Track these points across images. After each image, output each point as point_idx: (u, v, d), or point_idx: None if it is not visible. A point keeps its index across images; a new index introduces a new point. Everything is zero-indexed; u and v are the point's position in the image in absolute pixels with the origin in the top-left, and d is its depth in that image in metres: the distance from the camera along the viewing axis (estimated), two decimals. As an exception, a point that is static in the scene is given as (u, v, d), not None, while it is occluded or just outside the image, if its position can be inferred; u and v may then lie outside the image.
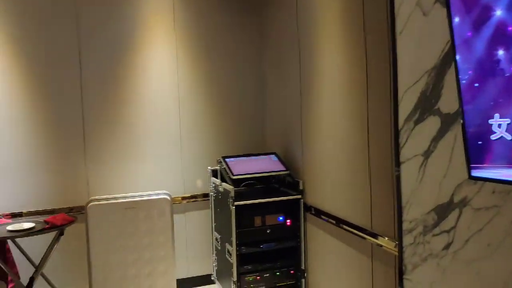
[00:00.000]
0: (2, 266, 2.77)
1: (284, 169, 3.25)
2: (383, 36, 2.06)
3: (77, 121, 3.40)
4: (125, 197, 3.24)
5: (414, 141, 1.79)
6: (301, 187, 3.10)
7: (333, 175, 2.68)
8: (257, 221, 3.05)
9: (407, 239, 1.85)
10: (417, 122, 1.77)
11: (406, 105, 1.82)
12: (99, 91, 3.45)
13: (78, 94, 3.40)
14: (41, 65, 3.31)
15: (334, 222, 2.66)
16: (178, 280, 3.35)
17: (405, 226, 1.86)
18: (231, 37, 3.77)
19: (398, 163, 1.89)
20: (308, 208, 3.05)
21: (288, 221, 3.12)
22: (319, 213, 2.88)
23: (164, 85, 3.61)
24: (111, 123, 3.48)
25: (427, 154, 1.72)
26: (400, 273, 1.90)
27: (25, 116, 3.29)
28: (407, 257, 1.85)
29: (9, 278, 2.90)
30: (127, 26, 3.50)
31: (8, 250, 3.07)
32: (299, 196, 3.09)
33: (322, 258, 2.91)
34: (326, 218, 2.76)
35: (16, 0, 3.24)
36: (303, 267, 3.13)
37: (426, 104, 1.71)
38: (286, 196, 3.12)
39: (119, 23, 3.48)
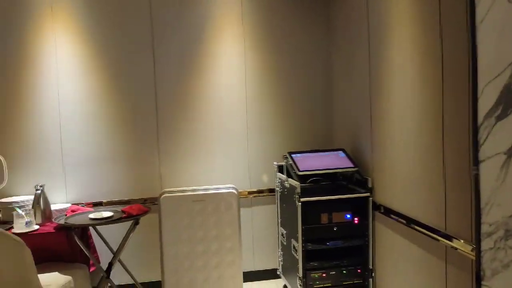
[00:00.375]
0: (85, 251, 3.00)
1: (352, 165, 3.18)
2: (461, 26, 1.93)
3: (151, 118, 3.58)
4: (194, 190, 3.36)
5: (496, 139, 1.66)
6: (370, 185, 3.01)
7: (404, 173, 2.58)
8: (324, 218, 3.02)
9: (486, 243, 1.73)
10: (499, 118, 1.64)
11: (487, 100, 1.69)
12: (171, 89, 3.61)
13: (152, 92, 3.58)
14: (118, 64, 3.53)
15: (404, 221, 2.55)
16: (244, 273, 3.42)
17: (484, 229, 1.73)
18: (299, 31, 3.75)
19: (476, 162, 1.76)
20: (377, 206, 2.96)
21: (356, 219, 3.05)
22: (388, 212, 2.78)
23: (232, 80, 3.68)
24: (182, 120, 3.63)
25: (510, 152, 1.59)
26: (478, 279, 1.78)
27: (106, 114, 3.53)
28: (486, 262, 1.73)
29: (91, 262, 3.14)
30: (197, 24, 3.61)
31: (90, 236, 3.32)
32: (367, 194, 3.01)
33: (391, 258, 2.81)
34: (396, 218, 2.66)
35: (96, 2, 3.48)
36: (370, 267, 3.05)
37: (510, 98, 1.57)
38: (354, 193, 3.05)
39: (189, 21, 3.60)
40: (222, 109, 3.68)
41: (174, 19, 3.58)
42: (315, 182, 3.22)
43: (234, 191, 3.32)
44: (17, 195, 3.40)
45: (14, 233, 2.70)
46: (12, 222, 3.00)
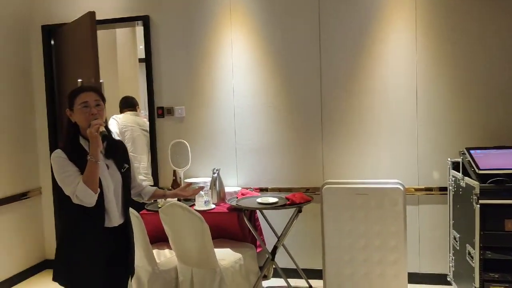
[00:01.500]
0: (253, 232, 3.23)
1: (548, 166, 2.68)
2: None
3: (316, 108, 3.63)
4: (357, 183, 3.29)
5: None
6: None
7: None
8: (509, 225, 2.62)
9: None
10: None
11: None
12: (336, 79, 3.59)
13: (317, 82, 3.61)
14: (285, 57, 3.66)
15: None
16: (408, 274, 3.22)
17: None
18: (485, 17, 3.29)
19: None
20: None
21: (552, 229, 2.56)
22: None
23: (400, 70, 3.46)
24: (346, 110, 3.58)
25: None
26: None
27: (274, 104, 3.72)
28: None
29: (258, 243, 3.37)
30: (365, 13, 3.49)
31: (257, 219, 3.56)
32: None
33: None
34: None
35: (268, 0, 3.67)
36: None
37: None
38: (551, 199, 2.57)
39: (357, 10, 3.51)
40: (389, 99, 3.50)
41: (342, 10, 3.54)
42: (498, 183, 2.81)
43: (400, 187, 3.13)
44: (198, 177, 3.86)
45: (196, 210, 3.08)
46: (194, 200, 3.43)
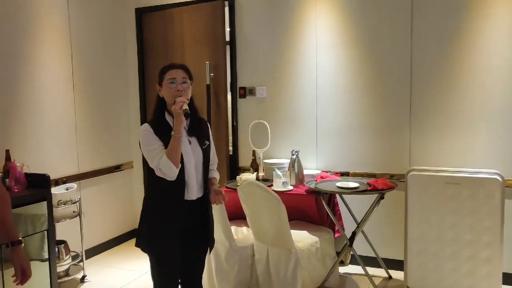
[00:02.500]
0: (331, 216, 3.15)
1: None
2: None
3: (404, 90, 3.39)
4: (447, 171, 3.03)
5: None
6: None
7: None
8: None
9: None
10: None
11: None
12: (428, 60, 3.31)
13: (407, 64, 3.37)
14: (373, 36, 3.46)
15: None
16: (504, 274, 2.92)
17: None
18: None
19: None
20: None
21: None
22: None
23: (501, 50, 3.09)
24: (438, 93, 3.30)
25: None
26: None
27: (358, 85, 3.55)
28: None
29: (336, 228, 3.28)
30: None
31: (336, 204, 3.47)
32: None
33: None
34: None
35: (357, -25, 3.48)
36: None
37: None
38: None
39: (457, -18, 3.18)
40: (488, 81, 3.15)
41: (438, -19, 3.23)
42: None
43: (498, 177, 2.83)
44: (277, 158, 3.85)
45: (273, 190, 3.07)
46: (272, 180, 3.43)
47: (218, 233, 2.97)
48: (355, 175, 3.59)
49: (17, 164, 3.01)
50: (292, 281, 2.87)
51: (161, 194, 2.11)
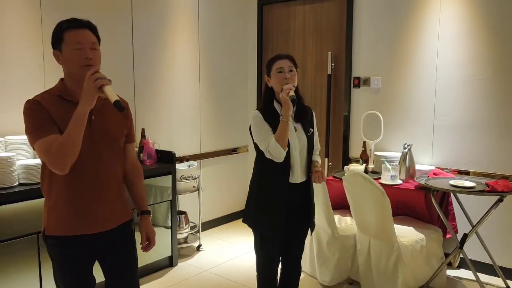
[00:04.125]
0: (441, 216, 2.99)
1: None
2: None
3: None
4: None
5: None
6: None
7: None
8: None
9: None
10: None
11: None
12: None
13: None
14: (502, 27, 3.14)
15: None
16: (506, 269, 2.48)
17: None
18: None
19: None
20: None
21: None
22: None
23: None
24: None
25: None
26: None
27: (483, 78, 3.27)
28: None
29: (447, 229, 3.11)
30: None
31: (450, 203, 3.28)
32: None
33: None
34: None
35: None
36: None
37: None
38: None
39: None
40: None
41: None
42: None
43: None
44: (388, 151, 3.75)
45: (380, 183, 3.04)
46: (380, 173, 3.37)
47: (321, 220, 3.07)
48: (476, 174, 3.34)
49: (150, 141, 3.48)
50: (393, 275, 2.83)
51: (267, 175, 2.29)
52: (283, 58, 2.28)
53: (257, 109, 2.32)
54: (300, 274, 2.50)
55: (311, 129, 2.34)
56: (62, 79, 1.71)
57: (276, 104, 2.28)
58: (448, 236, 3.17)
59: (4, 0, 2.82)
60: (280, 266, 2.45)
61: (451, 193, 3.17)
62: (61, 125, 1.56)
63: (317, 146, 2.42)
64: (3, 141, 2.74)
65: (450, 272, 3.33)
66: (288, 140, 2.18)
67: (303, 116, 2.32)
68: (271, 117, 2.24)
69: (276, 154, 2.15)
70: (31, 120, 1.58)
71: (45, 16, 3.00)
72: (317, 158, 2.39)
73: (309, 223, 2.39)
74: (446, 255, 3.12)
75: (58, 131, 1.57)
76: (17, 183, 2.62)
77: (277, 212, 2.27)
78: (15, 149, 2.73)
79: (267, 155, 2.18)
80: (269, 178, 2.28)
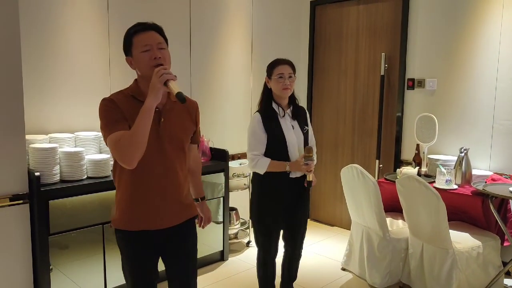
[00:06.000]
0: (499, 222, 2.90)
1: None
2: None
3: None
4: None
5: None
6: None
7: None
8: None
9: None
10: None
11: None
12: None
13: None
14: None
15: None
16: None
17: None
18: None
19: None
20: None
21: None
22: None
23: None
24: None
25: None
26: None
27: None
28: None
29: (506, 236, 3.01)
30: None
31: (509, 210, 3.16)
32: None
33: None
34: None
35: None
36: None
37: None
38: None
39: None
40: None
41: None
42: None
43: None
44: (443, 154, 3.67)
45: (434, 187, 2.99)
46: (435, 177, 3.31)
47: (372, 222, 3.07)
48: (537, 181, 3.20)
49: (205, 139, 3.60)
50: (447, 281, 2.78)
51: (270, 173, 2.49)
52: (284, 63, 2.53)
53: (257, 111, 2.54)
54: (300, 256, 2.78)
55: (306, 127, 2.58)
56: (136, 80, 1.82)
57: (274, 105, 2.51)
58: (506, 244, 3.06)
59: (76, 14, 3.04)
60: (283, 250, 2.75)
61: (510, 200, 3.06)
62: (132, 123, 1.64)
63: (313, 142, 2.65)
64: (74, 137, 2.95)
65: (508, 282, 3.21)
66: (286, 137, 2.45)
67: (298, 115, 2.56)
68: (271, 117, 2.47)
69: (257, 170, 2.51)
70: (105, 116, 1.70)
71: (111, 26, 3.20)
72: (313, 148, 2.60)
73: (306, 213, 2.67)
74: (504, 263, 3.01)
75: (129, 128, 1.65)
76: (85, 176, 2.81)
77: (277, 203, 2.52)
78: (84, 145, 2.93)
79: (250, 163, 2.48)
80: (271, 172, 2.47)
